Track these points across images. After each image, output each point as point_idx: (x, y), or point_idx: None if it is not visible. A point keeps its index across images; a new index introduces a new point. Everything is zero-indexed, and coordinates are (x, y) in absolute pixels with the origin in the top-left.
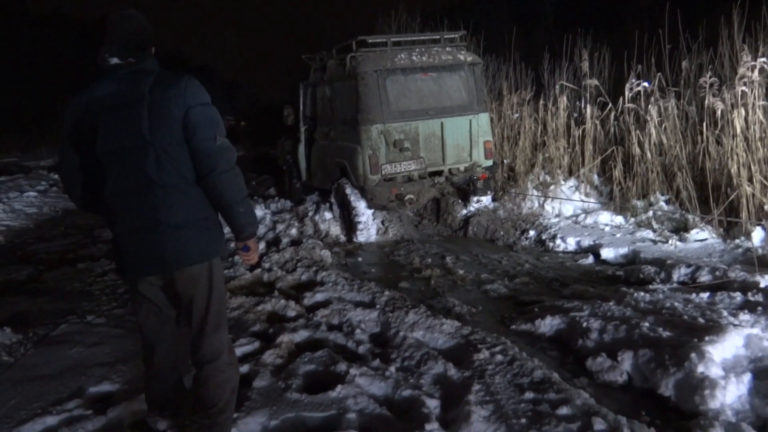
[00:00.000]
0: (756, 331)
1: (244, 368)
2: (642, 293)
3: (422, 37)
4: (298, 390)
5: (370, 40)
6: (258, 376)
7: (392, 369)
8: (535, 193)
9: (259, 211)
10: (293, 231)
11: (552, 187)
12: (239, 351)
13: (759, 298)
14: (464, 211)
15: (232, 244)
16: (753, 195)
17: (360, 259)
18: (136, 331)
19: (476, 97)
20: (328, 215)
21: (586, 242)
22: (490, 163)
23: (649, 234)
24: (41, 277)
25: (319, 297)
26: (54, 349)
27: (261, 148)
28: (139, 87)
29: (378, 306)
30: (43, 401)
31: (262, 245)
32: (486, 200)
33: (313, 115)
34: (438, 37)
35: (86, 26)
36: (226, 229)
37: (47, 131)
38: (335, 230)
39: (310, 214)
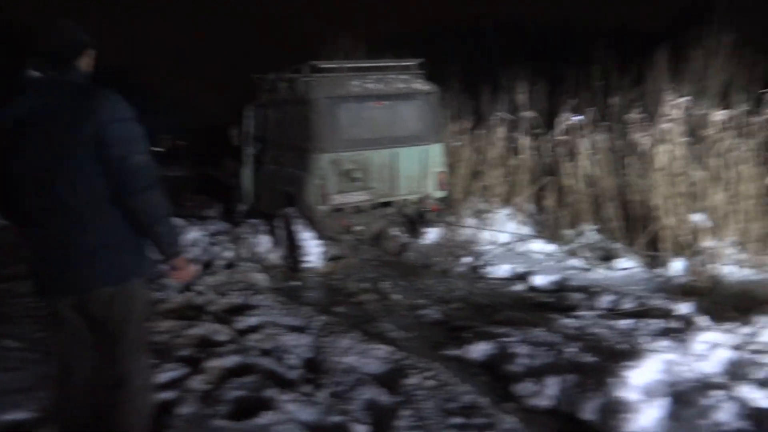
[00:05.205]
0: (673, 356)
1: (169, 394)
2: (569, 319)
3: (378, 64)
4: (225, 417)
5: (323, 65)
6: (183, 402)
7: (323, 394)
8: (472, 221)
9: (194, 233)
10: (229, 253)
11: (488, 215)
12: (165, 376)
13: (677, 325)
14: (403, 237)
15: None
16: (672, 227)
17: (296, 283)
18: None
19: (431, 127)
20: (265, 238)
21: (519, 269)
22: (443, 194)
23: (578, 262)
24: None
25: (253, 321)
26: None
27: (201, 168)
28: (56, 102)
29: (312, 330)
30: None
31: (195, 268)
32: (436, 232)
33: (261, 137)
34: (394, 64)
35: (23, 34)
36: None
37: None
38: (273, 255)
39: (248, 237)
